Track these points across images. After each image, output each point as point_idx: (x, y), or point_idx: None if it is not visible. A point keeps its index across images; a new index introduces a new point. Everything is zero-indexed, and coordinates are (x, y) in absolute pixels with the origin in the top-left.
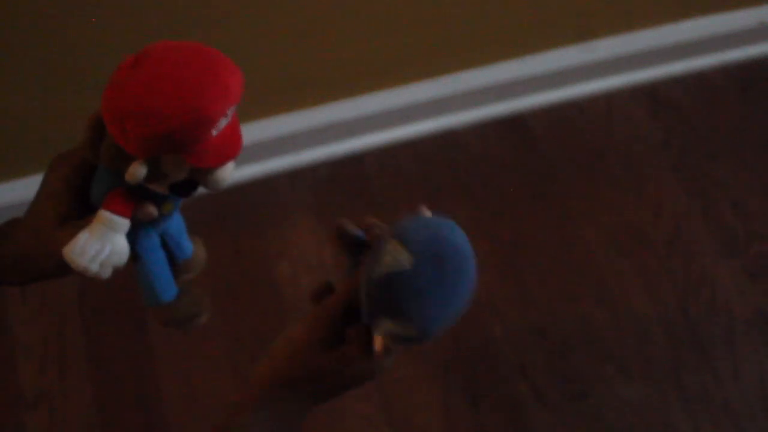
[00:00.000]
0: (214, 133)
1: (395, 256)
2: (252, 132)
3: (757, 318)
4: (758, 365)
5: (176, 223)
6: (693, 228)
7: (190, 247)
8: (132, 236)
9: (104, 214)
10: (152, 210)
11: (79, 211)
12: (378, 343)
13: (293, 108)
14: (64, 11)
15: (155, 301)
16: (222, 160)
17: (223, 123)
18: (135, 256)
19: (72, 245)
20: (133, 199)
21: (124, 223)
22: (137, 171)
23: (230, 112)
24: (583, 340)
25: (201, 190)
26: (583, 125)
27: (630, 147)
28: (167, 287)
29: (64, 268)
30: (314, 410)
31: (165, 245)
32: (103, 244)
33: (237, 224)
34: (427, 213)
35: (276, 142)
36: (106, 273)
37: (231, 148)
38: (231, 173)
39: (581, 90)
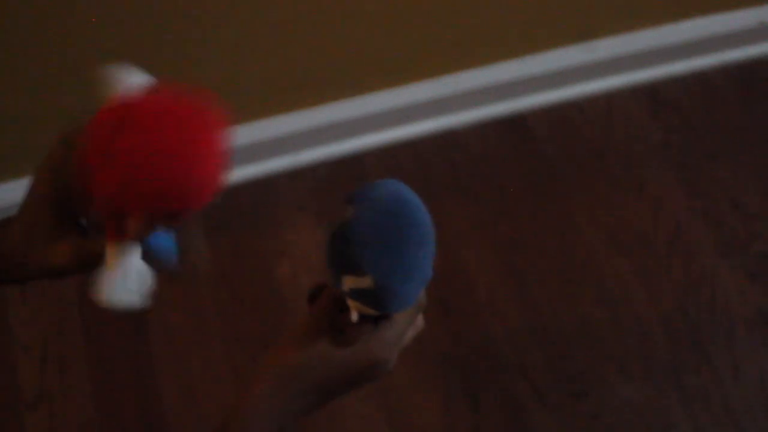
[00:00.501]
0: None
1: (342, 214)
2: (252, 132)
3: (757, 318)
4: (758, 365)
5: None
6: (693, 228)
7: None
8: None
9: (113, 247)
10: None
11: (72, 215)
12: (352, 307)
13: (293, 108)
14: (64, 11)
15: (163, 267)
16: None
17: None
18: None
19: (102, 291)
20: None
21: (133, 244)
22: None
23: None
24: (583, 340)
25: None
26: (583, 125)
27: (630, 147)
28: (170, 253)
29: (58, 275)
30: (315, 411)
31: None
32: (126, 273)
33: (237, 224)
34: None
35: (276, 142)
36: (145, 300)
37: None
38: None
39: (581, 90)
